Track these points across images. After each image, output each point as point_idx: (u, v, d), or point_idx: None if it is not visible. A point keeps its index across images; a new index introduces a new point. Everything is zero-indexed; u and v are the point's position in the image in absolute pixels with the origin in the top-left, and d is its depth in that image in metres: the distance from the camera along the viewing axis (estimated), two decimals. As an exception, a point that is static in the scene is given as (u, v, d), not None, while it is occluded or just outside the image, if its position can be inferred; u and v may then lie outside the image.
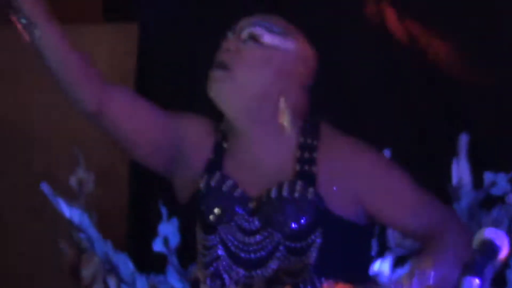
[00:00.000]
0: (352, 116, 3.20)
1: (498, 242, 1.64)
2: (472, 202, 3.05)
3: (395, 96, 3.24)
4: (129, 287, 3.19)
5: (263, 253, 2.08)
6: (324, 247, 2.07)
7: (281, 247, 2.06)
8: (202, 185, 2.11)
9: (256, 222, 2.08)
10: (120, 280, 3.18)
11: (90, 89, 2.09)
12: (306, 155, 2.07)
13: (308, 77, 2.12)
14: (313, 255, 2.07)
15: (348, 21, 3.37)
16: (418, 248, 2.26)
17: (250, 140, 2.10)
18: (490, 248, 1.64)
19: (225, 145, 2.14)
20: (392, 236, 3.10)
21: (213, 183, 2.09)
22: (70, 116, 3.31)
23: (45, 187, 3.10)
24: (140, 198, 3.55)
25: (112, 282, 3.19)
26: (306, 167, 2.06)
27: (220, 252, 2.10)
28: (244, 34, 2.06)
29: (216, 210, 2.08)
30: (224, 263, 2.10)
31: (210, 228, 2.10)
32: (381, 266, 3.07)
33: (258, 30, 2.05)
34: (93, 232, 3.16)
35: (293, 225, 2.06)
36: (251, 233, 2.08)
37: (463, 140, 2.98)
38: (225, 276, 2.10)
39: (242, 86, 2.05)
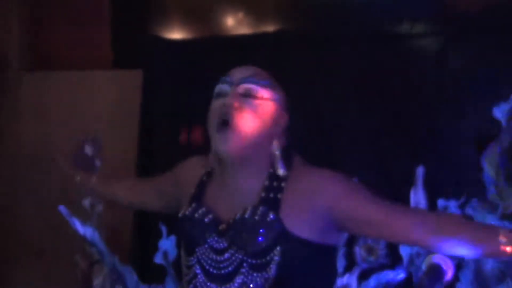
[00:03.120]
0: (324, 151, 3.21)
1: (444, 267, 1.77)
2: None
3: (362, 135, 3.25)
4: (134, 295, 3.36)
5: (230, 269, 2.07)
6: (282, 264, 2.04)
7: (244, 264, 2.06)
8: (180, 214, 2.17)
9: (224, 242, 2.08)
10: None
11: (121, 197, 2.53)
12: (275, 184, 2.07)
13: (287, 120, 2.14)
14: (272, 271, 2.05)
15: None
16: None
17: (231, 175, 2.12)
18: (438, 272, 1.76)
19: (205, 179, 2.19)
20: (358, 252, 3.16)
21: (188, 212, 2.14)
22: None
23: (62, 209, 3.16)
24: (143, 217, 3.67)
25: None
26: (271, 194, 2.06)
27: (197, 270, 2.12)
28: (241, 89, 2.08)
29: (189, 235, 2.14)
30: (200, 280, 2.11)
31: (190, 250, 2.13)
32: (349, 279, 3.35)
33: (253, 87, 2.09)
34: (102, 246, 3.25)
35: (252, 244, 2.04)
36: (221, 252, 2.09)
37: (420, 172, 3.01)
38: None
39: (245, 139, 2.06)
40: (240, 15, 3.61)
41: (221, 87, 2.12)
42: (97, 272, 3.31)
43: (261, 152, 2.08)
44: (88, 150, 2.69)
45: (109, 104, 3.72)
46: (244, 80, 2.08)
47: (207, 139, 2.17)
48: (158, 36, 3.70)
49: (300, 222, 2.04)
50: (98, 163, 2.66)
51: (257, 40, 3.50)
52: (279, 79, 2.91)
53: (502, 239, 1.88)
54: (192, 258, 2.11)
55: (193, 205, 2.14)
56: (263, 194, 2.05)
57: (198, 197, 2.16)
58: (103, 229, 3.26)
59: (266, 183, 2.06)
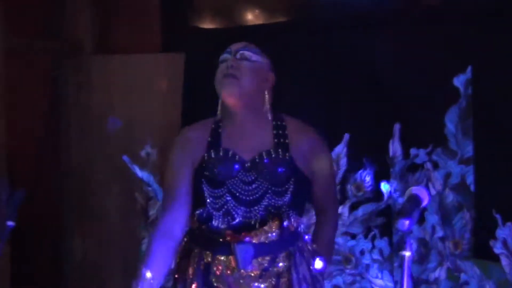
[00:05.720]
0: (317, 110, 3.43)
1: (421, 196, 1.95)
2: (402, 168, 3.47)
3: (353, 96, 3.52)
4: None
5: (257, 196, 2.35)
6: (294, 191, 2.37)
7: (269, 191, 2.35)
8: (205, 157, 2.35)
9: (252, 176, 2.35)
10: None
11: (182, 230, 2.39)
12: (280, 132, 2.39)
13: (274, 80, 2.46)
14: (288, 196, 2.37)
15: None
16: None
17: (242, 122, 2.38)
18: (416, 200, 1.93)
19: (220, 129, 2.40)
20: (349, 188, 3.54)
21: (213, 154, 2.36)
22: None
23: (125, 158, 3.66)
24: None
25: None
26: (282, 140, 2.38)
27: (228, 198, 2.35)
28: (239, 55, 2.39)
29: (221, 171, 2.33)
30: (231, 204, 2.35)
31: (219, 183, 2.35)
32: (342, 210, 3.48)
33: (247, 53, 2.40)
34: (155, 186, 3.66)
35: (275, 176, 2.35)
36: (249, 183, 2.35)
37: (396, 128, 3.45)
38: (233, 212, 2.35)
39: (244, 87, 2.35)
40: (260, 8, 3.79)
41: (223, 56, 2.43)
42: (152, 206, 3.69)
43: (258, 102, 2.38)
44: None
45: (158, 81, 3.90)
46: (240, 49, 2.40)
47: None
48: (196, 26, 3.88)
49: (301, 161, 2.40)
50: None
51: (275, 28, 3.69)
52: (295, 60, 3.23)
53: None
54: (221, 189, 2.35)
55: (215, 148, 2.37)
56: (275, 140, 2.37)
57: (216, 143, 2.39)
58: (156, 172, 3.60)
59: (275, 132, 2.39)
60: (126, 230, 3.85)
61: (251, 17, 3.77)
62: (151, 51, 3.96)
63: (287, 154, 2.36)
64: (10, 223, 2.31)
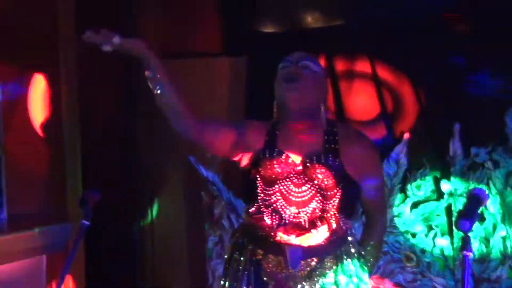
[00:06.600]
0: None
1: (482, 196, 1.98)
2: (463, 167, 3.50)
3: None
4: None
5: (306, 198, 2.38)
6: (343, 195, 2.39)
7: (318, 194, 2.38)
8: (260, 156, 2.39)
9: (302, 179, 2.38)
10: (238, 216, 3.64)
11: (190, 125, 2.36)
12: (331, 137, 2.41)
13: (328, 90, 2.52)
14: (337, 199, 2.40)
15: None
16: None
17: (296, 126, 2.41)
18: (477, 200, 1.97)
19: (277, 132, 2.43)
20: (410, 188, 3.55)
21: (268, 154, 2.40)
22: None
23: (191, 159, 3.76)
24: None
25: (233, 217, 3.70)
26: (332, 145, 2.39)
27: (279, 197, 2.39)
28: (301, 64, 2.41)
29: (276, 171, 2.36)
30: (281, 204, 2.39)
31: (271, 183, 2.40)
32: (403, 207, 3.52)
33: (309, 63, 2.43)
34: (220, 185, 3.75)
35: (325, 182, 2.37)
36: (299, 185, 2.39)
37: (457, 127, 3.51)
38: (282, 211, 2.39)
39: (305, 93, 2.39)
40: (316, 12, 3.82)
41: (284, 63, 2.44)
42: (217, 204, 3.76)
43: (314, 109, 2.40)
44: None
45: (221, 85, 3.91)
46: (302, 59, 2.43)
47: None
48: (258, 29, 3.91)
49: (350, 166, 2.40)
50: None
51: (330, 32, 3.72)
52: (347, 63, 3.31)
53: None
54: (272, 188, 2.39)
55: (270, 149, 2.41)
56: (326, 145, 2.38)
57: (272, 143, 2.42)
58: (221, 172, 3.68)
59: (326, 137, 2.40)
60: (193, 228, 3.93)
61: (310, 20, 3.81)
62: (214, 55, 4.00)
63: (337, 159, 2.39)
64: (86, 222, 2.39)
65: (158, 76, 2.31)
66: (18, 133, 3.33)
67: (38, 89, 3.35)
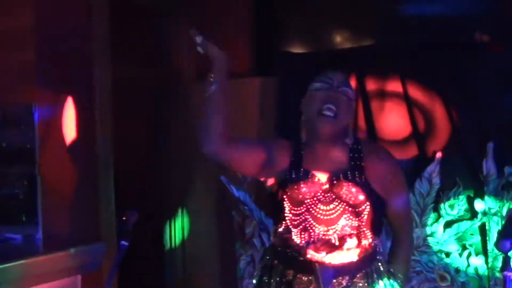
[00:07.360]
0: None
1: None
2: (497, 186, 3.46)
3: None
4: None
5: (334, 216, 2.37)
6: (371, 212, 2.38)
7: (346, 211, 2.37)
8: (288, 176, 2.39)
9: (330, 197, 2.37)
10: (269, 235, 3.36)
11: (221, 145, 2.34)
12: (356, 155, 2.41)
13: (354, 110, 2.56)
14: (365, 216, 2.39)
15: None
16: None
17: (323, 146, 2.41)
18: None
19: (302, 151, 2.43)
20: (443, 207, 3.50)
21: (294, 174, 2.39)
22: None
23: (223, 179, 3.75)
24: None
25: (264, 236, 3.68)
26: (358, 162, 2.39)
27: (307, 216, 2.38)
28: (340, 90, 2.41)
29: (302, 193, 2.35)
30: (310, 223, 2.38)
31: (299, 202, 2.38)
32: (436, 227, 3.48)
33: (347, 90, 2.43)
34: (252, 205, 3.73)
35: (353, 199, 2.36)
36: (327, 203, 2.38)
37: (490, 147, 3.45)
38: (311, 230, 2.38)
39: (339, 124, 2.40)
40: (345, 32, 3.82)
41: (321, 84, 2.43)
42: (248, 224, 3.75)
43: (343, 131, 2.43)
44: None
45: (252, 104, 3.90)
46: (342, 84, 2.43)
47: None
48: (288, 50, 3.92)
49: (376, 183, 2.41)
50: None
51: (357, 53, 3.72)
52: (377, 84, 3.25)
53: None
54: (300, 207, 2.38)
55: (296, 169, 2.40)
56: (352, 163, 2.39)
57: (297, 163, 2.42)
58: (252, 192, 3.65)
59: (351, 154, 2.41)
60: (224, 248, 3.92)
61: (340, 40, 3.81)
62: (245, 75, 3.98)
63: (363, 176, 2.38)
64: (125, 243, 2.37)
65: (218, 79, 2.32)
66: (52, 155, 3.36)
67: (72, 112, 3.40)
